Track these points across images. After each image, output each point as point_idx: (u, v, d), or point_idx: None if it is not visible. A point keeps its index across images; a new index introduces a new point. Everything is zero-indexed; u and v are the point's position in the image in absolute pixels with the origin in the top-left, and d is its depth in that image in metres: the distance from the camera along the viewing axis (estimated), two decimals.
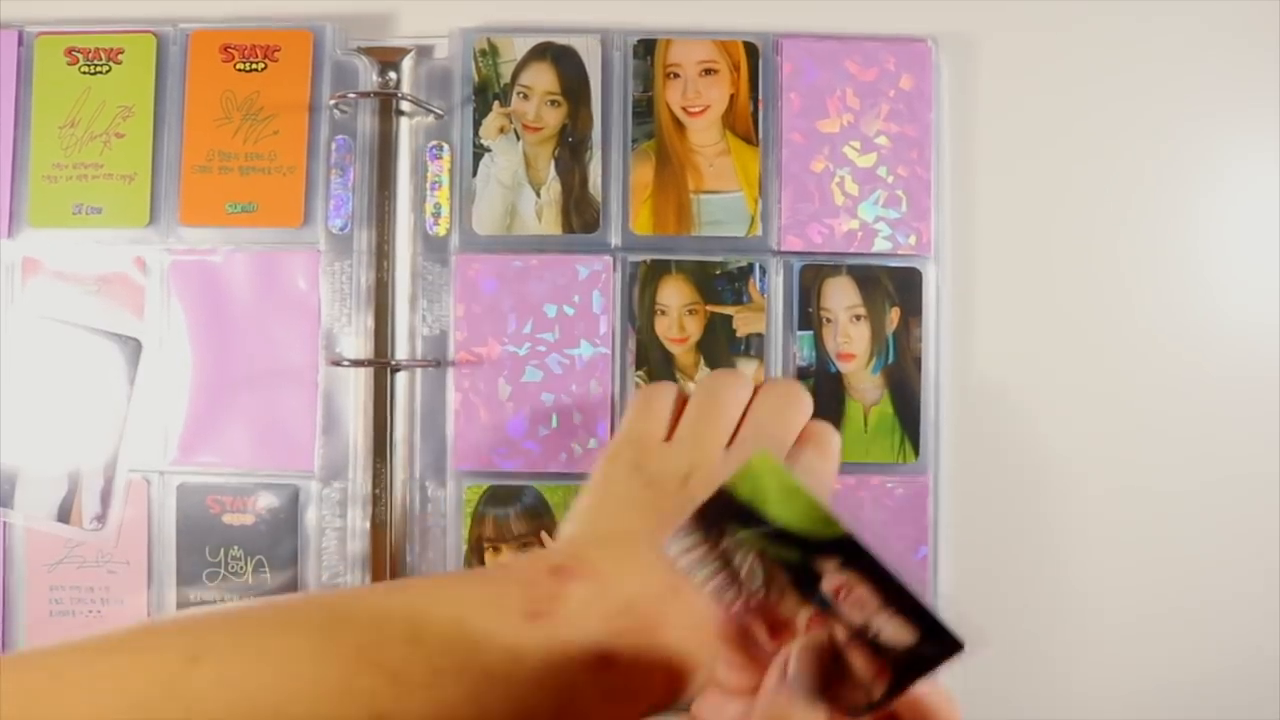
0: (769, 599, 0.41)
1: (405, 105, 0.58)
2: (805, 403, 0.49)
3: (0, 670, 0.36)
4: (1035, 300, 0.59)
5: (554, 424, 0.57)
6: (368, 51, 0.59)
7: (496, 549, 0.57)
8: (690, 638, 0.42)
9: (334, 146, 0.58)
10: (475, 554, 0.57)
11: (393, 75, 0.59)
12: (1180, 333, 0.60)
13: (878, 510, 0.57)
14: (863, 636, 0.39)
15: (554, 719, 0.40)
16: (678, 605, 0.42)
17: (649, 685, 0.41)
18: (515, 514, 0.57)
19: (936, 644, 0.37)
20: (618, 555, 0.43)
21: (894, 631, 0.38)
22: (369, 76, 0.59)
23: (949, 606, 0.39)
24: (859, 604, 0.39)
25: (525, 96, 0.58)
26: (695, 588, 0.43)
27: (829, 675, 0.39)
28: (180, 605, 0.57)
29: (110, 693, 0.35)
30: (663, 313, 0.57)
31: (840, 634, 0.39)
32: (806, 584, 0.40)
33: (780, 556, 0.41)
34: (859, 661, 0.39)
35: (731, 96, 0.58)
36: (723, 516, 0.42)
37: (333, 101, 0.58)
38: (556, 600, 0.41)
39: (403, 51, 0.59)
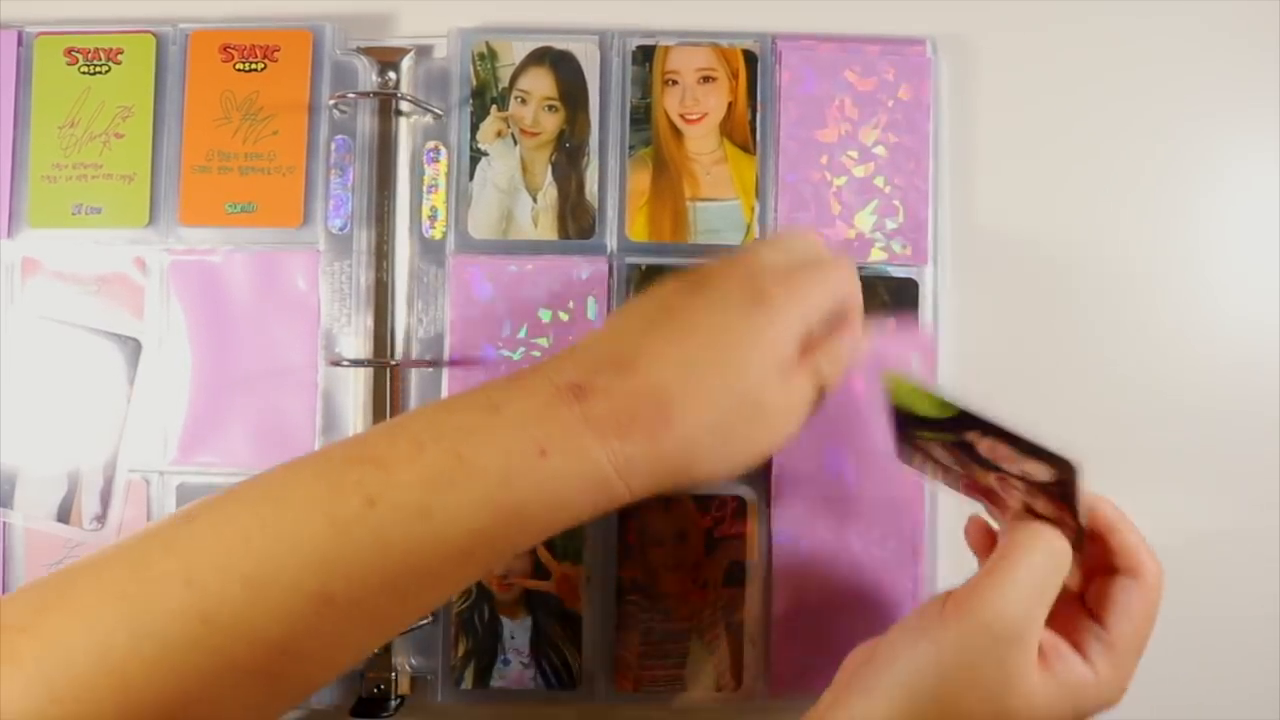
0: (969, 474, 0.47)
1: (404, 105, 0.58)
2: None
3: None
4: (1031, 308, 0.59)
5: None
6: (367, 51, 0.59)
7: None
8: (699, 438, 0.44)
9: (333, 146, 0.58)
10: None
11: (392, 75, 0.59)
12: (1180, 335, 0.60)
13: (875, 517, 0.57)
14: (1027, 482, 0.44)
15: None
16: (684, 412, 0.43)
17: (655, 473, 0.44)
18: None
19: (1064, 470, 0.42)
20: (627, 370, 0.44)
21: (1038, 471, 0.43)
22: (368, 76, 0.59)
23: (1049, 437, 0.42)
24: (1008, 459, 0.43)
25: (523, 101, 0.58)
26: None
27: None
28: None
29: None
30: None
31: (1020, 487, 0.44)
32: (971, 455, 0.45)
33: (951, 440, 0.46)
34: (1042, 506, 0.44)
35: (729, 104, 0.58)
36: (904, 426, 0.48)
37: (332, 101, 0.58)
38: (570, 435, 0.43)
39: (402, 52, 0.59)
